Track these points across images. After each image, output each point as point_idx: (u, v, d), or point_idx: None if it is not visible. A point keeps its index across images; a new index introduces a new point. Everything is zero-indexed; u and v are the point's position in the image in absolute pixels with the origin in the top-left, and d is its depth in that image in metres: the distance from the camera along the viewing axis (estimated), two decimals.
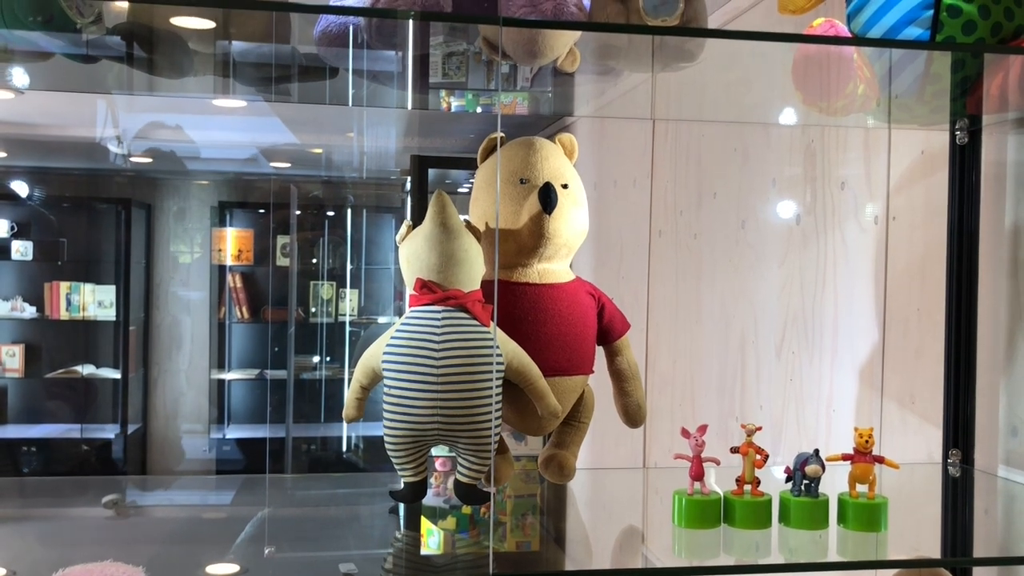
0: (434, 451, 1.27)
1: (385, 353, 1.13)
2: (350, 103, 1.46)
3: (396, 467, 1.15)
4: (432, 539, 1.23)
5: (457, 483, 1.15)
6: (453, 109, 1.44)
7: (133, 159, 5.06)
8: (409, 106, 1.42)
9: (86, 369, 5.58)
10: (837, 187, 1.87)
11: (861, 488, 1.09)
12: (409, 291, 1.14)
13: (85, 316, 5.55)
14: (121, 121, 4.19)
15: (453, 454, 1.18)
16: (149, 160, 5.23)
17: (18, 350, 5.56)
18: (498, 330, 1.14)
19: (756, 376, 2.22)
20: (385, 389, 1.12)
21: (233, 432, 5.67)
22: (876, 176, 1.75)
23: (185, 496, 1.77)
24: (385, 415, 1.12)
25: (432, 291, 1.11)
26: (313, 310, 5.51)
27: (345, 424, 1.21)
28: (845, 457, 1.10)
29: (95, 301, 5.58)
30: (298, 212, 5.46)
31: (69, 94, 3.90)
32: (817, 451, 1.07)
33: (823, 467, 1.07)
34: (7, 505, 1.40)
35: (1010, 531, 1.30)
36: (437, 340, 1.10)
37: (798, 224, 2.02)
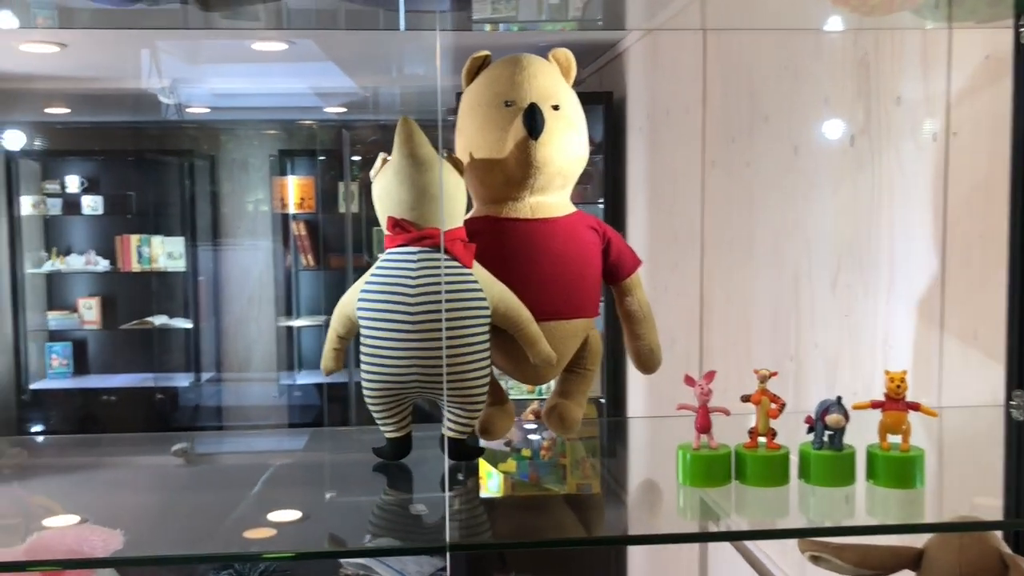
0: None
1: (359, 300, 1.04)
2: (402, 26, 1.34)
3: (377, 422, 1.06)
4: (492, 482, 1.16)
5: (443, 439, 1.06)
6: None
7: (189, 110, 5.05)
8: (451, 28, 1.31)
9: (159, 320, 5.68)
10: (892, 102, 1.69)
11: (893, 439, 0.95)
12: (384, 230, 1.04)
13: (156, 268, 5.63)
14: (170, 71, 4.17)
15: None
16: (206, 110, 5.22)
17: (95, 303, 5.69)
18: (483, 271, 1.04)
19: (811, 312, 2.06)
20: (361, 338, 1.03)
21: (303, 378, 5.73)
22: (935, 88, 1.56)
23: (256, 443, 1.76)
24: (362, 366, 1.03)
25: (406, 230, 1.01)
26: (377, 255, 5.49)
27: (324, 374, 1.14)
28: (874, 404, 0.96)
29: (165, 253, 5.66)
30: (357, 157, 5.40)
31: (114, 46, 3.89)
32: (840, 398, 0.94)
33: (847, 416, 0.93)
34: (80, 455, 1.40)
35: None
36: (412, 284, 1.00)
37: (852, 146, 1.85)
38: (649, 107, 3.27)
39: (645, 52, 3.39)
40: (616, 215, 3.63)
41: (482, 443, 1.13)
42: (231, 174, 5.79)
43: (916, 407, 0.95)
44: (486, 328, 1.02)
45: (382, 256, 1.04)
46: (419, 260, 1.00)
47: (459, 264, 1.01)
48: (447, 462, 1.05)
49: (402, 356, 1.00)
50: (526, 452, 1.21)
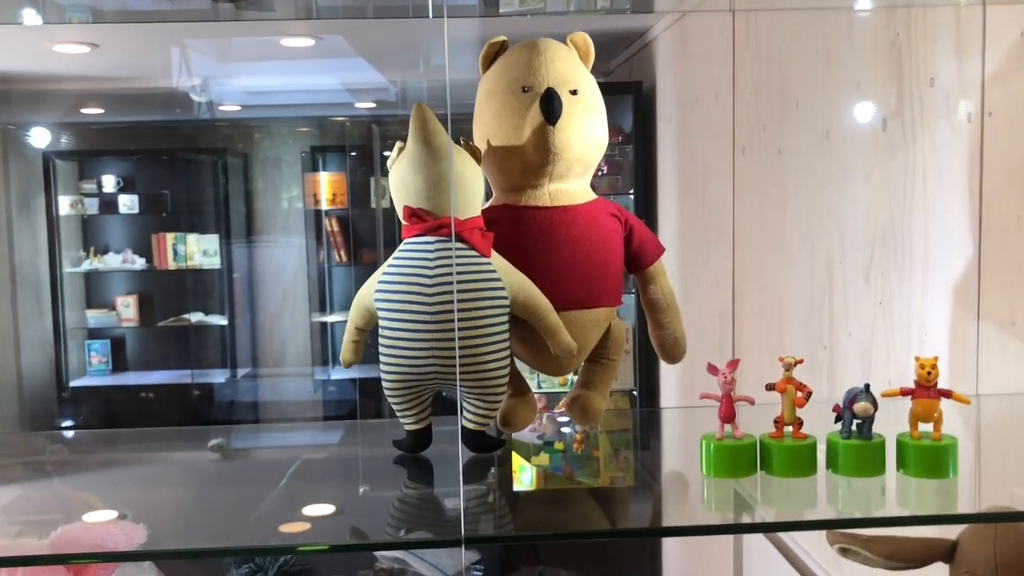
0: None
1: (377, 291, 1.03)
2: (430, 14, 1.33)
3: (397, 414, 1.05)
4: (525, 476, 1.15)
5: (463, 430, 1.04)
6: None
7: (221, 108, 5.09)
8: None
9: (195, 316, 5.74)
10: (926, 84, 1.64)
11: (924, 427, 0.92)
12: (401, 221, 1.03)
13: (191, 265, 5.68)
14: (200, 69, 4.20)
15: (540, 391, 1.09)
16: (237, 108, 5.26)
17: (132, 300, 5.76)
18: (502, 261, 1.02)
19: (844, 301, 2.02)
20: (380, 330, 1.02)
21: (337, 373, 5.76)
22: (969, 67, 1.52)
23: (291, 438, 1.76)
24: (381, 358, 1.02)
25: (422, 219, 1.00)
26: None
27: (343, 367, 1.13)
28: (904, 392, 0.93)
29: (200, 250, 5.70)
30: (387, 152, 5.40)
31: (145, 45, 3.93)
32: (867, 386, 0.91)
33: (876, 404, 0.91)
34: (119, 451, 1.41)
35: None
36: (430, 275, 0.98)
37: (884, 130, 1.80)
38: (678, 96, 3.23)
39: (673, 40, 3.35)
40: (647, 206, 3.60)
41: (511, 435, 1.12)
42: (264, 171, 5.83)
43: (948, 394, 0.92)
44: (505, 318, 1.01)
45: (400, 247, 1.03)
46: (436, 250, 0.99)
47: (477, 253, 1.00)
48: (461, 454, 1.03)
49: (420, 347, 0.98)
50: (559, 445, 1.20)
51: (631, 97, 3.61)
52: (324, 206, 5.64)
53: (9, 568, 0.99)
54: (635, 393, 3.63)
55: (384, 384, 1.02)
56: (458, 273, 0.98)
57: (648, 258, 1.14)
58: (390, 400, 1.04)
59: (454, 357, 0.98)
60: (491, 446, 1.06)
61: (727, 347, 2.72)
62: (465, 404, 1.04)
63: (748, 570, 2.45)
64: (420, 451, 1.06)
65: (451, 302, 0.97)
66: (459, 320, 0.97)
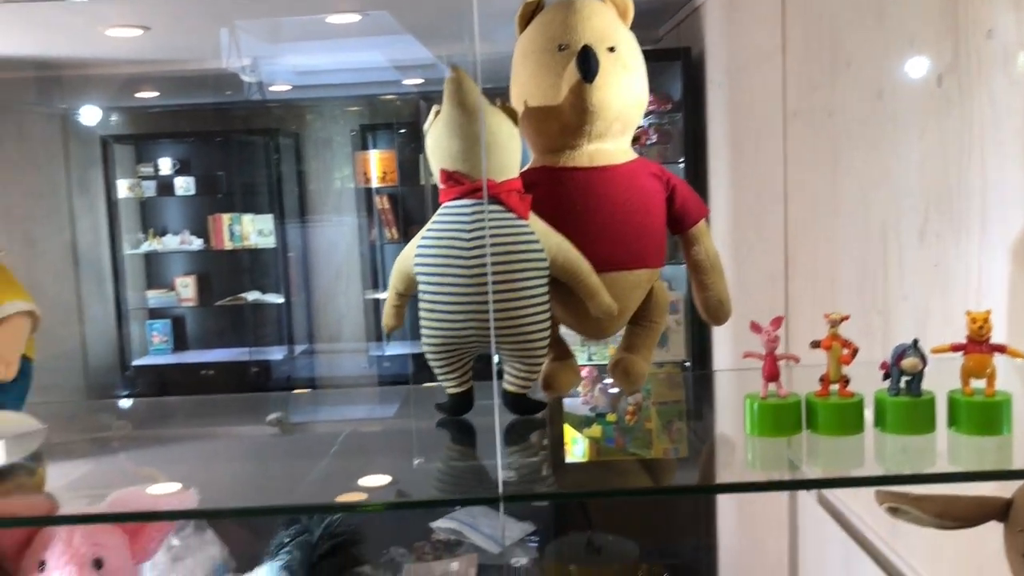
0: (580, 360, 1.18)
1: (416, 255, 1.03)
2: None
3: (438, 377, 1.05)
4: (577, 447, 1.15)
5: (504, 393, 1.04)
6: None
7: (271, 89, 5.14)
8: None
9: (252, 295, 5.83)
10: (983, 36, 1.59)
11: (977, 383, 0.90)
12: (438, 184, 1.03)
13: (247, 245, 5.77)
14: (250, 50, 4.24)
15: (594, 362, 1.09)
16: (287, 88, 5.30)
17: (191, 280, 5.87)
18: (540, 222, 1.01)
19: (899, 264, 1.97)
20: (419, 294, 1.03)
21: (392, 349, 5.82)
22: None
23: (349, 411, 1.79)
24: (421, 322, 1.02)
25: (459, 182, 0.99)
26: None
27: (385, 332, 1.13)
28: (955, 347, 0.91)
29: (255, 230, 5.79)
30: None
31: (195, 26, 3.97)
32: (916, 341, 0.89)
33: (924, 360, 0.88)
34: (178, 424, 1.44)
35: None
36: (467, 238, 0.98)
37: (939, 86, 1.75)
38: (727, 61, 3.18)
39: (722, 4, 3.29)
40: (697, 174, 3.55)
41: (554, 399, 1.11)
42: (315, 151, 5.89)
43: (1002, 349, 0.90)
44: (544, 280, 1.00)
45: (438, 211, 1.02)
46: (473, 213, 0.99)
47: (515, 216, 0.99)
48: (498, 414, 1.03)
49: (459, 310, 0.98)
50: (611, 417, 1.19)
51: (680, 64, 3.55)
52: (375, 184, 5.67)
53: (68, 531, 1.02)
54: (687, 364, 3.60)
55: (425, 348, 1.03)
56: (496, 235, 0.97)
57: (691, 219, 1.13)
58: (431, 364, 1.04)
59: (494, 320, 0.98)
60: (532, 408, 1.05)
61: (779, 314, 2.67)
62: (506, 367, 1.03)
63: (803, 539, 2.42)
64: (462, 414, 1.06)
65: (489, 265, 0.97)
66: (498, 283, 0.97)
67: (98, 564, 0.98)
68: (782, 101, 2.66)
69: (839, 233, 2.30)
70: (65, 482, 1.05)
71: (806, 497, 2.32)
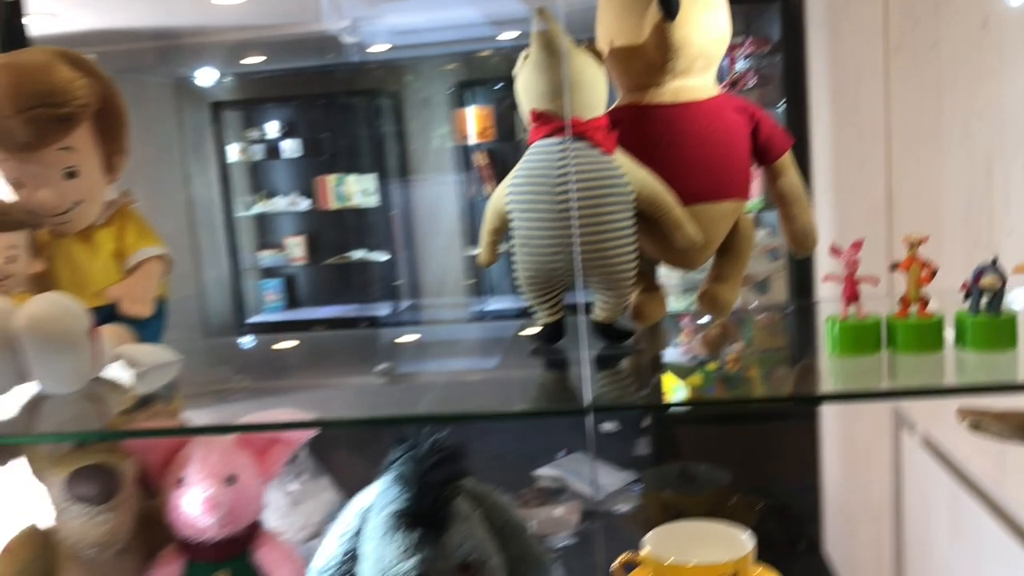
0: (677, 308, 1.22)
1: (508, 193, 1.08)
2: None
3: (531, 308, 1.12)
4: (678, 397, 1.19)
5: (593, 322, 1.10)
6: None
7: (370, 50, 5.24)
8: None
9: (358, 254, 6.02)
10: None
11: None
12: (527, 125, 1.08)
13: (352, 204, 5.94)
14: (348, 10, 4.34)
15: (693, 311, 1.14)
16: (385, 48, 5.40)
17: (300, 240, 6.09)
18: (626, 158, 1.05)
19: (1005, 198, 1.93)
20: (512, 230, 1.09)
21: (493, 304, 5.92)
22: None
23: (452, 363, 1.86)
24: (514, 256, 1.08)
25: (548, 121, 1.04)
26: None
27: (481, 267, 1.18)
28: None
29: (360, 190, 5.94)
30: None
31: None
32: (995, 259, 0.90)
33: (1004, 278, 0.89)
34: (290, 376, 1.52)
35: None
36: (555, 174, 1.03)
37: None
38: None
39: None
40: (798, 117, 3.49)
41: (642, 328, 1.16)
42: (414, 111, 5.99)
43: None
44: (630, 213, 1.05)
45: (528, 150, 1.08)
46: (562, 150, 1.03)
47: (600, 151, 1.03)
48: (584, 331, 1.08)
49: (550, 244, 1.04)
50: (712, 366, 1.22)
51: (778, 4, 3.48)
52: (473, 140, 5.74)
53: (205, 451, 1.12)
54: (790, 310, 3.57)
55: (519, 280, 1.09)
56: (582, 171, 1.02)
57: (776, 150, 1.15)
58: (524, 296, 1.10)
59: (582, 252, 1.03)
60: (620, 336, 1.10)
61: (882, 253, 2.64)
62: (596, 298, 1.09)
63: (908, 483, 2.41)
64: (555, 342, 1.12)
65: (577, 200, 1.02)
66: (585, 216, 1.02)
67: (231, 480, 1.08)
68: (883, 36, 2.59)
69: (943, 169, 2.25)
70: (199, 407, 1.16)
71: (910, 441, 2.31)
